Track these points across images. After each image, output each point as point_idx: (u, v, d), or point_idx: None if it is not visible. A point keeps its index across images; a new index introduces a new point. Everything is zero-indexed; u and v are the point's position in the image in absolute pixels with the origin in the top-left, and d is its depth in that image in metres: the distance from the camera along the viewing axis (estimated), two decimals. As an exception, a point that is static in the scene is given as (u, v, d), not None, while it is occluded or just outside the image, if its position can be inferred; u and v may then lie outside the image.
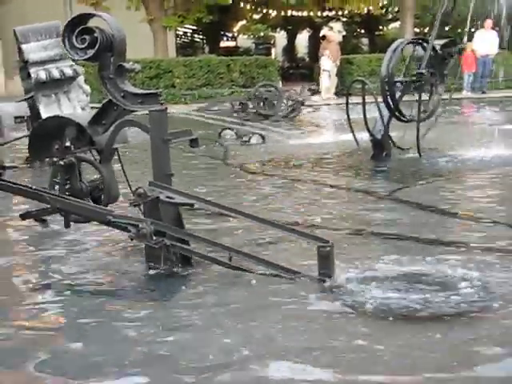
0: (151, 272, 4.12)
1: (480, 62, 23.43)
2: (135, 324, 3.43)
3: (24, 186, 4.30)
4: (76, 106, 9.01)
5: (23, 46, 9.24)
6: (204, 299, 3.69)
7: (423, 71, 8.79)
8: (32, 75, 9.25)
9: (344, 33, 38.30)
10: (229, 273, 3.95)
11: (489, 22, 23.41)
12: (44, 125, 4.61)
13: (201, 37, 39.72)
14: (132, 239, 4.06)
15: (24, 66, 9.58)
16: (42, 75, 9.35)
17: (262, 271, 3.90)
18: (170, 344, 3.14)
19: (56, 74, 9.38)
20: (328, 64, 22.98)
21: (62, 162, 4.21)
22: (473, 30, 24.03)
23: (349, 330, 3.23)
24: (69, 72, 9.36)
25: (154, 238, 3.92)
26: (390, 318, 3.29)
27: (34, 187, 4.27)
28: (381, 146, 8.59)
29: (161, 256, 4.03)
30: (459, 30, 23.17)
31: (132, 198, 4.09)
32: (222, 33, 40.36)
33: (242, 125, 13.12)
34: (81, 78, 9.42)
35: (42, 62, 9.05)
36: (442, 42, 9.04)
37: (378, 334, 3.16)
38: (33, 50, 8.55)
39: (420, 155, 8.66)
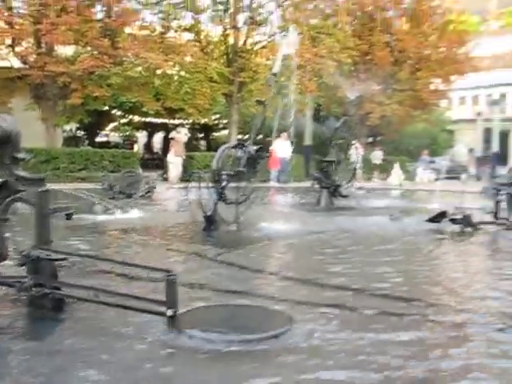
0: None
1: (281, 162, 24.27)
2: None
3: None
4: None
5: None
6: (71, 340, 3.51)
7: (242, 169, 8.99)
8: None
9: (188, 135, 38.67)
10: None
11: (285, 135, 24.48)
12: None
13: (82, 132, 38.89)
14: (19, 292, 3.84)
15: None
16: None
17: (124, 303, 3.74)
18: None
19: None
20: (173, 158, 23.17)
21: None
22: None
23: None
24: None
25: (35, 288, 3.73)
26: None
27: None
28: (211, 221, 8.61)
29: (40, 303, 3.83)
30: (268, 139, 23.93)
31: (19, 259, 3.91)
32: (98, 131, 39.76)
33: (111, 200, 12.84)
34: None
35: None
36: (256, 147, 9.24)
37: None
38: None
39: (239, 229, 8.73)
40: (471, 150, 9.63)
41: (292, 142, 22.55)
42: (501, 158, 33.23)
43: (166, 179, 22.14)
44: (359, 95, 17.71)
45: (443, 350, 3.41)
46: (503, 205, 9.96)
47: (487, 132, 33.30)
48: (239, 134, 29.98)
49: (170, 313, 3.53)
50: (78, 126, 35.86)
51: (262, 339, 3.42)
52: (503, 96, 52.89)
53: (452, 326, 3.91)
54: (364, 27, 31.70)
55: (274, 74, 9.99)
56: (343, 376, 3.02)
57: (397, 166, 26.70)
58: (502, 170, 28.42)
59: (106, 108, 31.42)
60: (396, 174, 25.46)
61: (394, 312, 4.14)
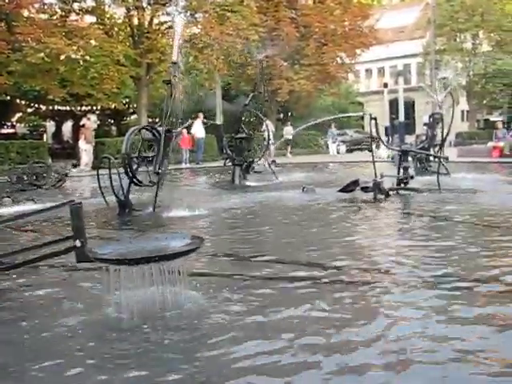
0: None
1: (197, 142, 24.14)
2: None
3: None
4: None
5: None
6: None
7: (149, 154, 8.86)
8: None
9: (98, 122, 37.76)
10: None
11: (201, 115, 24.33)
12: None
13: (-16, 125, 37.28)
14: None
15: None
16: None
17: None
18: None
19: None
20: (84, 145, 22.65)
21: None
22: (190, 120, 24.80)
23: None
24: None
25: None
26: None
27: None
28: (124, 206, 8.46)
29: None
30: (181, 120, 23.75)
31: None
32: (3, 122, 38.17)
33: (19, 193, 12.41)
34: None
35: None
36: (164, 128, 9.03)
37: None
38: None
39: (154, 211, 8.57)
40: (376, 120, 9.86)
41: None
42: (408, 127, 34.22)
43: (77, 166, 21.60)
44: (264, 55, 17.97)
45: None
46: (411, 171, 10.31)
47: (394, 102, 34.21)
48: (149, 117, 29.60)
49: (78, 243, 3.39)
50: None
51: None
52: (407, 67, 54.47)
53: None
54: (269, 3, 31.73)
55: (174, 63, 9.25)
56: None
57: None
58: (409, 139, 29.36)
59: (9, 98, 30.26)
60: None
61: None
